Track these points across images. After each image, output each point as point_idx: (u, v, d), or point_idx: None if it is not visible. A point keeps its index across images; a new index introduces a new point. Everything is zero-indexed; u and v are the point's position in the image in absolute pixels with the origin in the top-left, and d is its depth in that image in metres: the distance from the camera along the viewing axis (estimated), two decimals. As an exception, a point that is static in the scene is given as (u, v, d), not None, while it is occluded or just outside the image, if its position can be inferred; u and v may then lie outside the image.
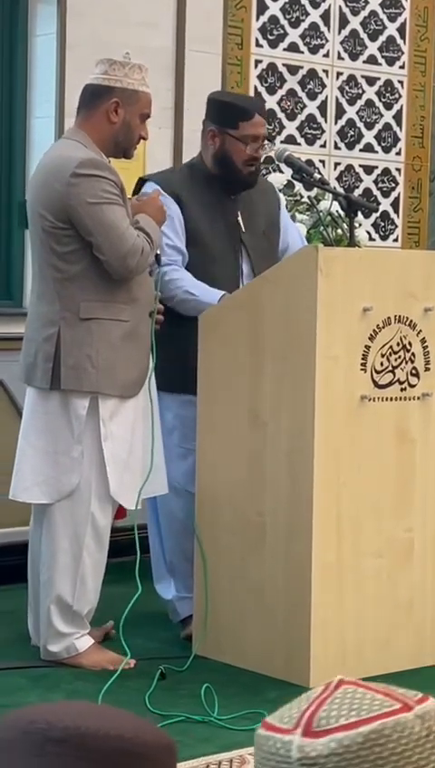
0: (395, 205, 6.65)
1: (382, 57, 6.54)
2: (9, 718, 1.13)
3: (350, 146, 6.44)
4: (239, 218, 4.27)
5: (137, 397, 3.97)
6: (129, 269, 3.85)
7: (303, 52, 6.19)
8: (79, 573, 3.94)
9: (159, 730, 1.16)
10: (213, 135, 4.26)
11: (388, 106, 6.58)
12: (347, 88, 6.41)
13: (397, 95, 6.62)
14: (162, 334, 4.02)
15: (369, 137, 6.52)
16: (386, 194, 6.61)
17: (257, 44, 6.01)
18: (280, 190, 5.19)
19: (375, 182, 6.56)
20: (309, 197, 5.54)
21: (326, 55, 6.29)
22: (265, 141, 4.33)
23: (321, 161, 6.31)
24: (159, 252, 4.01)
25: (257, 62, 6.02)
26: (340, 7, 6.34)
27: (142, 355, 3.97)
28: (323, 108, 6.31)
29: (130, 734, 1.10)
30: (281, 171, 5.83)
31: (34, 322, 3.96)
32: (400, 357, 4.00)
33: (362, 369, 3.90)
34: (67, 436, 3.89)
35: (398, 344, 3.99)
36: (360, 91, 6.46)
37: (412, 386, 4.04)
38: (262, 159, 4.40)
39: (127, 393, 3.92)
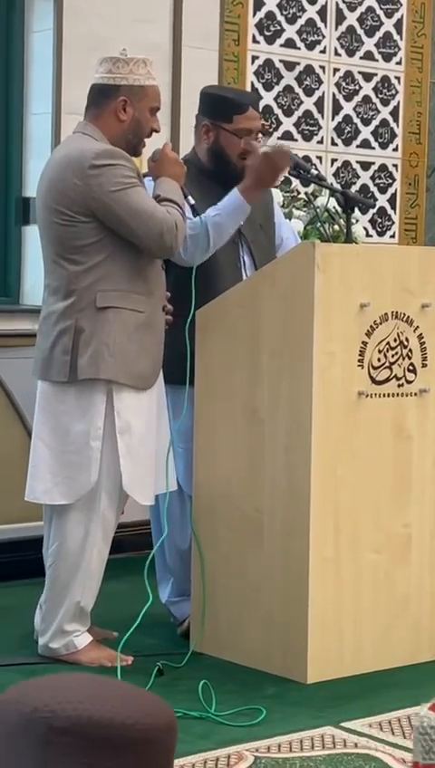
0: (392, 201, 6.65)
1: (379, 53, 6.54)
2: (10, 699, 1.13)
3: (347, 142, 6.44)
4: None
5: (151, 390, 3.95)
6: (168, 246, 3.85)
7: (299, 49, 6.19)
8: (88, 571, 3.94)
9: (160, 708, 1.17)
10: (207, 129, 4.26)
11: (385, 102, 6.58)
12: (344, 84, 6.41)
13: (394, 91, 6.62)
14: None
15: (366, 133, 6.52)
16: (383, 190, 6.61)
17: (254, 40, 6.01)
18: (276, 186, 5.19)
19: (372, 178, 6.56)
20: (306, 194, 5.55)
21: (323, 51, 6.29)
22: (260, 135, 4.32)
23: (318, 157, 6.31)
24: (192, 202, 4.01)
25: (254, 58, 6.02)
26: (337, 3, 6.34)
27: (157, 347, 3.96)
28: (319, 104, 6.31)
29: (132, 719, 1.11)
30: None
31: (49, 317, 3.93)
32: (397, 353, 4.00)
33: (359, 366, 3.91)
34: (84, 433, 3.86)
35: (395, 340, 3.99)
36: (357, 87, 6.46)
37: (409, 382, 4.04)
38: (257, 153, 4.39)
39: (141, 384, 3.90)
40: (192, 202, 4.04)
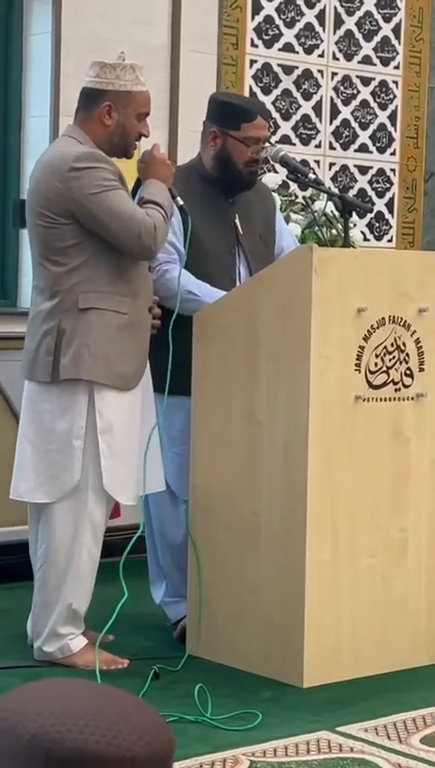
0: (390, 205, 6.65)
1: (377, 57, 6.54)
2: (5, 718, 1.12)
3: (345, 146, 6.44)
4: (237, 221, 4.26)
5: (135, 391, 3.97)
6: (146, 247, 3.87)
7: (298, 53, 6.19)
8: (79, 572, 3.94)
9: (161, 729, 1.16)
10: (214, 136, 4.25)
11: (383, 106, 6.59)
12: (342, 88, 6.41)
13: (392, 95, 6.62)
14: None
15: (364, 137, 6.52)
16: (381, 194, 6.62)
17: (253, 44, 6.01)
18: (275, 190, 5.19)
19: (370, 182, 6.56)
20: (304, 198, 5.55)
21: (321, 55, 6.29)
22: (267, 144, 4.32)
23: (316, 161, 6.31)
24: (180, 203, 4.02)
25: (252, 61, 6.02)
26: (335, 7, 6.34)
27: (141, 349, 3.98)
28: (317, 108, 6.31)
29: (134, 750, 1.10)
30: (276, 171, 5.83)
31: (36, 318, 3.97)
32: (394, 357, 4.00)
33: (356, 370, 3.90)
34: (66, 432, 3.89)
35: (392, 344, 3.99)
36: (355, 92, 6.46)
37: (406, 386, 4.04)
38: (261, 162, 4.40)
39: (123, 385, 3.92)
40: (181, 203, 4.04)
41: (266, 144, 4.32)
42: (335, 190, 6.12)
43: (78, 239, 3.89)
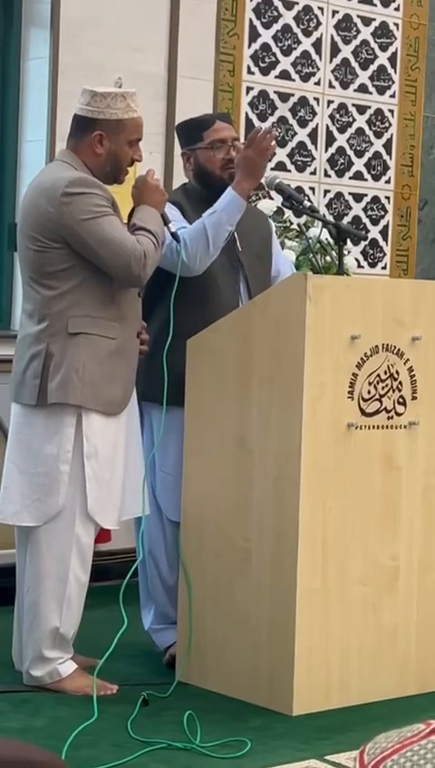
0: (384, 232, 6.67)
1: (373, 86, 6.57)
2: None
3: (340, 173, 6.46)
4: (236, 237, 4.29)
5: (120, 416, 3.97)
6: (135, 275, 3.88)
7: (294, 80, 6.22)
8: (66, 596, 3.93)
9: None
10: (187, 157, 4.34)
11: (378, 134, 6.61)
12: (338, 116, 6.43)
13: (387, 124, 6.65)
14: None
15: (359, 165, 6.54)
16: (375, 222, 6.64)
17: (249, 71, 6.04)
18: (270, 217, 5.21)
19: (364, 210, 6.58)
20: (298, 224, 5.57)
21: (317, 83, 6.32)
22: (236, 142, 4.33)
23: (311, 188, 6.33)
24: (172, 229, 4.03)
25: (249, 88, 6.05)
26: (332, 36, 6.37)
27: (128, 374, 3.99)
28: (313, 135, 6.33)
29: None
30: (271, 198, 5.85)
31: (24, 340, 3.98)
32: (387, 385, 4.00)
33: (349, 397, 3.91)
34: (53, 456, 3.90)
35: (385, 372, 3.99)
36: (350, 120, 6.49)
37: (399, 414, 4.04)
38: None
39: (111, 410, 3.93)
40: (173, 229, 4.05)
41: (238, 142, 4.32)
42: (330, 217, 6.15)
43: (69, 263, 3.90)
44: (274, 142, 4.21)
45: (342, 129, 6.45)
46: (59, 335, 3.89)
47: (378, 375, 3.97)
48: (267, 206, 5.67)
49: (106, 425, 3.93)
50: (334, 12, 6.38)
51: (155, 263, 3.94)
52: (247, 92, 6.04)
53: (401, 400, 4.04)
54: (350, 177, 6.50)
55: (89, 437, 3.90)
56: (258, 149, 4.11)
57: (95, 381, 3.89)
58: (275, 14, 6.13)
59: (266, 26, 6.10)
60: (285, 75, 6.18)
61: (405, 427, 4.05)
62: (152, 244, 3.90)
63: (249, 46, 6.03)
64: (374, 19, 6.55)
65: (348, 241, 4.78)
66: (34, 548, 3.95)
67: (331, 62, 6.38)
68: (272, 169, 6.00)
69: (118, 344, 3.94)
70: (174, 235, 4.04)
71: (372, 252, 6.61)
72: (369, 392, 3.95)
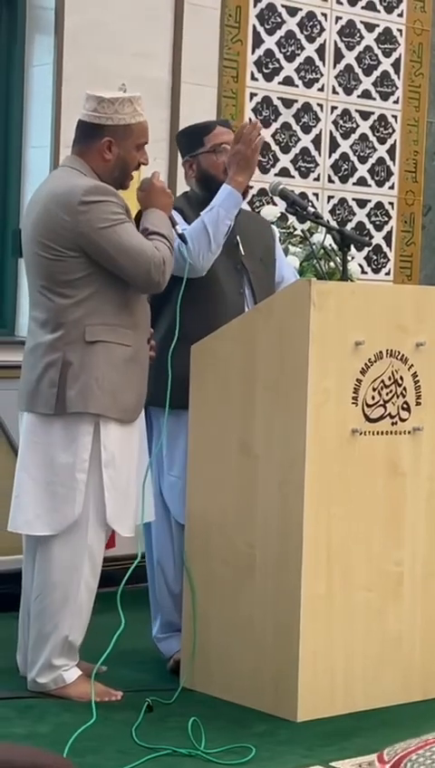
0: (388, 238, 6.67)
1: (377, 92, 6.58)
2: None
3: (343, 179, 6.46)
4: (238, 240, 4.30)
5: (135, 422, 3.97)
6: (155, 282, 3.89)
7: (298, 86, 6.23)
8: (76, 604, 3.93)
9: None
10: (190, 164, 4.36)
11: (381, 140, 6.62)
12: (341, 122, 6.44)
13: (391, 129, 6.65)
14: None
15: (362, 171, 6.55)
16: (379, 227, 6.64)
17: (253, 77, 6.05)
18: (273, 223, 5.21)
19: (368, 216, 6.59)
20: (302, 230, 5.57)
21: (321, 89, 6.33)
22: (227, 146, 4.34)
23: (314, 194, 6.34)
24: (180, 231, 4.05)
25: (253, 95, 6.06)
26: (335, 42, 6.38)
27: (142, 380, 3.99)
28: (317, 141, 6.34)
29: None
30: (274, 204, 5.86)
31: (36, 349, 3.94)
32: (391, 391, 4.00)
33: (353, 403, 3.91)
34: (69, 465, 3.88)
35: (389, 378, 3.99)
36: (354, 125, 6.50)
37: (403, 420, 4.04)
38: None
39: (127, 418, 3.93)
40: (180, 231, 4.07)
41: None
42: (334, 223, 6.15)
43: (85, 272, 3.88)
44: (262, 133, 4.26)
45: (345, 135, 6.46)
46: (76, 343, 3.88)
47: (382, 381, 3.97)
48: (271, 211, 5.67)
49: (122, 432, 3.93)
50: (338, 18, 6.39)
51: (171, 268, 3.95)
52: (251, 98, 6.04)
53: (405, 406, 4.04)
54: (353, 183, 6.50)
55: (106, 446, 3.89)
56: (247, 142, 4.16)
57: (114, 389, 3.89)
58: (279, 20, 6.14)
59: (270, 32, 6.11)
60: (288, 81, 6.19)
61: (409, 432, 4.05)
62: (168, 249, 3.91)
63: (253, 52, 6.04)
64: (378, 25, 6.56)
65: (352, 247, 4.78)
66: (45, 556, 3.93)
67: (334, 68, 6.39)
68: (275, 175, 6.01)
69: (133, 351, 3.94)
70: (181, 237, 4.06)
71: (375, 258, 6.62)
72: (373, 398, 3.95)
